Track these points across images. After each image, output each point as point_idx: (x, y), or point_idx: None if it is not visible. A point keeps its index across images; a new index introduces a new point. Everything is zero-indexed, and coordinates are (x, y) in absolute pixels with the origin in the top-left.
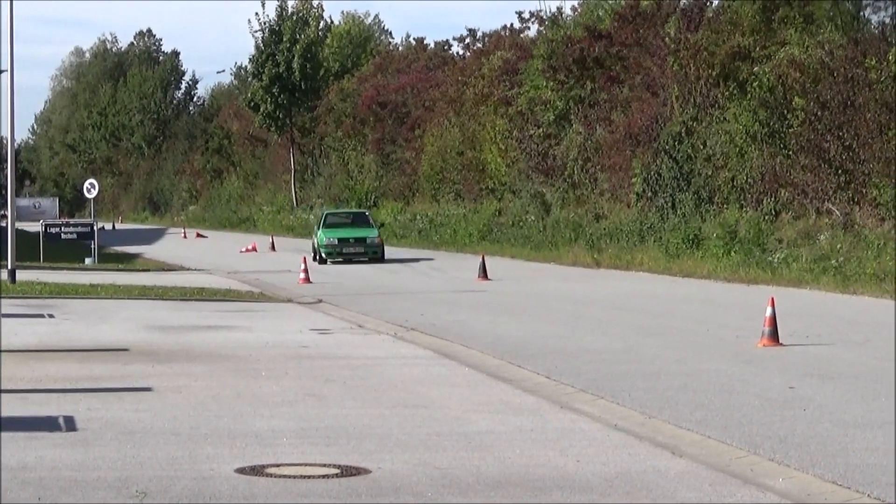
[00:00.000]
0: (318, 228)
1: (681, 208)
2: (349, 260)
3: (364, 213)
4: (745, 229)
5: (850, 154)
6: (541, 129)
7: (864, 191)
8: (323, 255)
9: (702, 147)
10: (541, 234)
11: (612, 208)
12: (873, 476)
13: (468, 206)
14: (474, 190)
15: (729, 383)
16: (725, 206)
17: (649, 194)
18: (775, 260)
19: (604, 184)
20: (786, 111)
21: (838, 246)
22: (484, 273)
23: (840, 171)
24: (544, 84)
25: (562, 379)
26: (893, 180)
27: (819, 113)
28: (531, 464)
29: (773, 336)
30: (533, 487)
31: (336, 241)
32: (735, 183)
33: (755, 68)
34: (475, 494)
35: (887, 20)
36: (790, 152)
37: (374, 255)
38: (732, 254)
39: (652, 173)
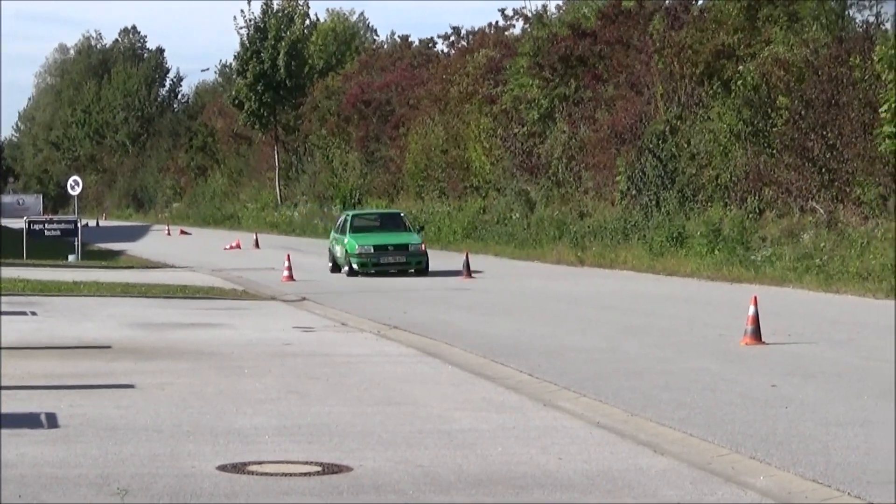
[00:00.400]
0: (344, 234)
1: (665, 206)
2: (384, 272)
3: (398, 213)
4: (728, 227)
5: (834, 153)
6: (525, 128)
7: (847, 189)
8: (355, 266)
9: (686, 145)
10: (525, 232)
11: (597, 206)
12: (854, 474)
13: (452, 204)
14: (459, 188)
15: (711, 382)
16: (709, 204)
17: (633, 192)
18: (759, 258)
19: (588, 182)
20: (770, 110)
21: (822, 244)
22: (468, 271)
23: (824, 170)
24: (529, 82)
25: (545, 377)
26: (877, 179)
27: (803, 111)
28: (513, 461)
29: (756, 335)
30: (514, 485)
31: (372, 250)
32: (719, 181)
33: (739, 67)
34: (457, 492)
35: (872, 19)
36: (774, 151)
37: (419, 266)
38: (716, 252)
39: (636, 171)
